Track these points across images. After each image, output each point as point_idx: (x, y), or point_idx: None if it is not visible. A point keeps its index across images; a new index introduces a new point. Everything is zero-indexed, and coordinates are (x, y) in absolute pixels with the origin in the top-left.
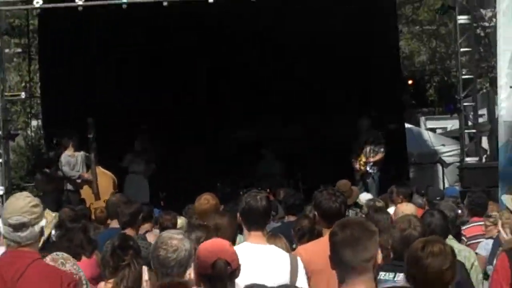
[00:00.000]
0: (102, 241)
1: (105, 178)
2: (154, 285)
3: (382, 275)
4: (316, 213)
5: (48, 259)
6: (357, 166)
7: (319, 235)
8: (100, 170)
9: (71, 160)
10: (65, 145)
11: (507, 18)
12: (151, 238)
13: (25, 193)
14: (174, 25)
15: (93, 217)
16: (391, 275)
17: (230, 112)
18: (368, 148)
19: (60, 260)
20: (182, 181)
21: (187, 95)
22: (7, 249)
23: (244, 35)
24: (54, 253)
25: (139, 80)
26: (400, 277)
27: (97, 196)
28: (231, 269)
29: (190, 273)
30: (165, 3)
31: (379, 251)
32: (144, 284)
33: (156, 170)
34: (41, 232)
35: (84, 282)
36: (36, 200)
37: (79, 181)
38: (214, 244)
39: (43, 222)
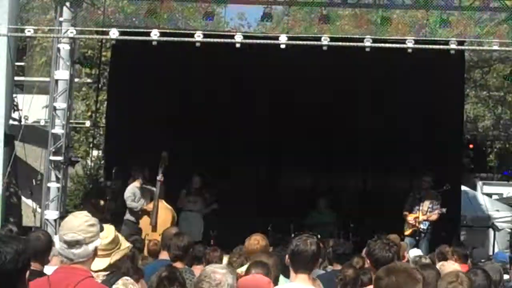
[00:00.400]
0: (150, 272)
1: (165, 212)
2: None
3: None
4: (368, 261)
5: (120, 283)
6: (412, 221)
7: (365, 285)
8: (162, 204)
9: (137, 191)
10: (135, 177)
11: None
12: (197, 272)
13: (84, 212)
14: (247, 66)
15: (146, 249)
16: None
17: (290, 158)
18: (426, 206)
19: (129, 285)
20: (233, 221)
21: (247, 132)
22: (61, 265)
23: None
24: (124, 278)
25: (201, 117)
26: None
27: (154, 228)
28: None
29: None
30: (238, 45)
31: None
32: None
33: (217, 209)
34: (95, 251)
35: None
36: (94, 220)
37: (140, 212)
38: (254, 279)
39: (97, 242)
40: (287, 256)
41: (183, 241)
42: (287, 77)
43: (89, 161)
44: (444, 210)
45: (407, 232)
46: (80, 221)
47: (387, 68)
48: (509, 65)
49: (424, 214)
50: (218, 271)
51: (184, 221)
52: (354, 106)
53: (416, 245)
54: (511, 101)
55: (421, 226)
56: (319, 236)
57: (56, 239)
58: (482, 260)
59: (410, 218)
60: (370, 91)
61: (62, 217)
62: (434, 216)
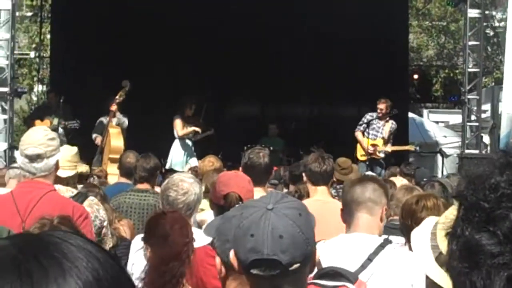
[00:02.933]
0: (110, 194)
1: (118, 138)
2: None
3: None
4: (304, 174)
5: (86, 203)
6: (371, 149)
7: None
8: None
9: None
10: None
11: None
12: None
13: (43, 127)
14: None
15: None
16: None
17: (238, 86)
18: (386, 134)
19: (95, 205)
20: None
21: (196, 70)
22: (23, 179)
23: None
24: (90, 198)
25: (143, 48)
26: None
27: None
28: None
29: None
30: None
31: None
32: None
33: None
34: (56, 165)
35: (106, 224)
36: (54, 134)
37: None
38: (232, 178)
39: (58, 155)
40: (240, 169)
41: (150, 163)
42: (235, 13)
43: (33, 96)
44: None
45: (363, 158)
46: (40, 135)
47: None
48: None
49: (385, 143)
50: (186, 180)
51: (184, 149)
52: (300, 40)
53: (371, 170)
54: (454, 30)
55: (381, 155)
56: (271, 148)
57: (17, 154)
58: (424, 179)
59: (366, 144)
60: (314, 26)
61: (10, 147)
62: (390, 146)
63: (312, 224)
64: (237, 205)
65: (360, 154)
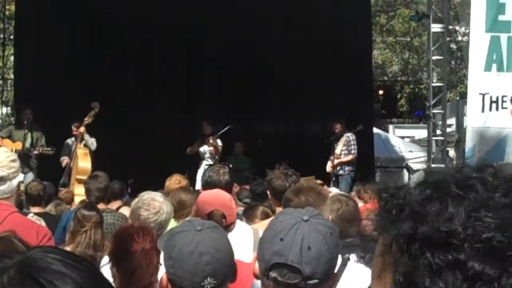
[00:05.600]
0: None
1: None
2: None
3: None
4: (268, 191)
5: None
6: (330, 169)
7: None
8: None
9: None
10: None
11: (480, 26)
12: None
13: (3, 149)
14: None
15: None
16: None
17: (205, 105)
18: (339, 150)
19: (37, 222)
20: (150, 168)
21: (167, 77)
22: None
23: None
24: (30, 214)
25: (115, 66)
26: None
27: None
28: (225, 222)
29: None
30: None
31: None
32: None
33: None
34: (18, 186)
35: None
36: (14, 156)
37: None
38: (215, 196)
39: (20, 177)
40: (201, 188)
41: (102, 183)
42: (198, 25)
43: None
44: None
45: (333, 178)
46: (2, 158)
47: (295, 16)
48: (414, 8)
49: (338, 158)
50: (157, 199)
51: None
52: (264, 55)
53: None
54: (418, 45)
55: (340, 171)
56: (230, 166)
57: None
58: None
59: (328, 166)
60: (278, 41)
61: None
62: (346, 158)
63: (338, 248)
64: (188, 219)
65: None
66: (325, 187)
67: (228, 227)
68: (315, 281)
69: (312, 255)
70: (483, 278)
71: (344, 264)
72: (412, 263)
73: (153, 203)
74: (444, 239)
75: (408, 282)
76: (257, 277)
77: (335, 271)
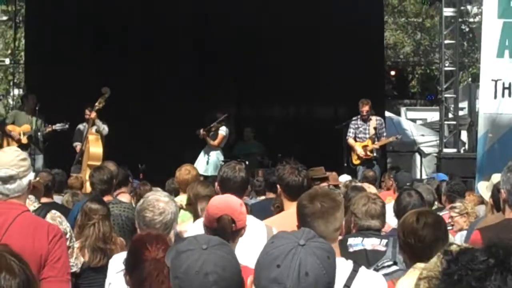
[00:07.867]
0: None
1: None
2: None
3: (351, 240)
4: (278, 186)
5: (48, 217)
6: (362, 152)
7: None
8: (94, 138)
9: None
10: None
11: (493, 12)
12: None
13: (13, 147)
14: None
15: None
16: (359, 239)
17: (213, 86)
18: (371, 133)
19: (57, 218)
20: (162, 155)
21: (174, 70)
22: None
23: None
24: (52, 211)
25: (122, 52)
26: (367, 241)
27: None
28: (235, 227)
29: (172, 236)
30: None
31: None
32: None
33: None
34: (29, 185)
35: (68, 236)
36: (24, 154)
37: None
38: (224, 200)
39: (31, 175)
40: (216, 184)
41: (105, 174)
42: (210, 13)
43: (10, 100)
44: (399, 136)
45: (357, 162)
46: (12, 156)
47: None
48: None
49: (373, 142)
50: (162, 199)
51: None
52: (277, 39)
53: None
54: (430, 26)
55: (374, 154)
56: (247, 163)
57: None
58: (408, 184)
59: (358, 147)
60: (290, 26)
61: None
62: (387, 139)
63: (335, 271)
64: (194, 236)
65: (354, 159)
66: (334, 173)
67: (239, 232)
68: None
69: (310, 281)
70: None
71: (355, 270)
72: None
73: (158, 204)
74: None
75: None
76: None
77: None
